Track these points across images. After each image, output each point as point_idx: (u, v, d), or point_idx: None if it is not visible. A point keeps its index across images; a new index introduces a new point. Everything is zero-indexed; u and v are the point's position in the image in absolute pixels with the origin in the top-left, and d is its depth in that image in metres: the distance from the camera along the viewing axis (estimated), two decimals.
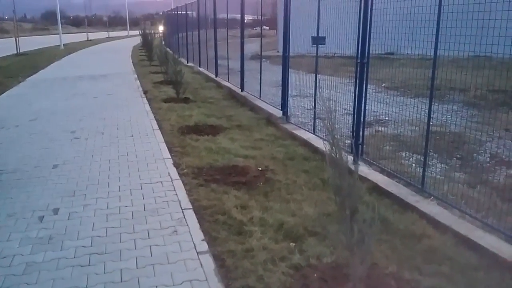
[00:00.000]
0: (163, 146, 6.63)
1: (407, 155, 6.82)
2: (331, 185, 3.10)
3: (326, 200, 4.63)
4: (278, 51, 22.25)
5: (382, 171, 5.42)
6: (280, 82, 9.11)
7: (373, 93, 12.33)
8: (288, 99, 8.34)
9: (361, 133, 5.74)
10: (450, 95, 12.24)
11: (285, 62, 8.03)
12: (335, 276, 3.15)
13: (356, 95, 5.76)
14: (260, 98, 9.56)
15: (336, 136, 3.08)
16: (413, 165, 6.35)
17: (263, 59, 11.21)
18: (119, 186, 5.02)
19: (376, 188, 4.93)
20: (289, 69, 8.57)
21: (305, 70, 18.87)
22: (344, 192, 2.95)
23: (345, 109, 9.18)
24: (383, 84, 14.66)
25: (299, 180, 5.26)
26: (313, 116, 7.20)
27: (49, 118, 8.80)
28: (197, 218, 4.19)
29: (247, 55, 13.51)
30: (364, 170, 5.47)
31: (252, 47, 12.92)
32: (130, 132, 7.51)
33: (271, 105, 8.89)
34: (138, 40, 32.01)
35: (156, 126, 7.94)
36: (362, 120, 5.73)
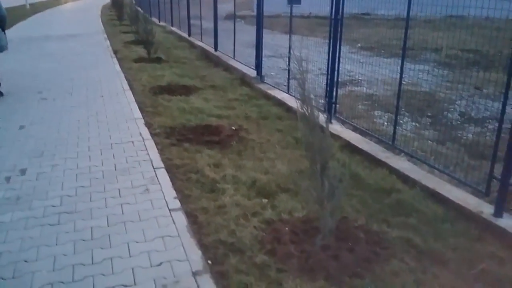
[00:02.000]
0: (134, 106, 6.49)
1: (379, 114, 6.89)
2: (302, 140, 3.09)
3: (299, 158, 4.65)
4: (253, 11, 21.78)
5: (355, 129, 5.45)
6: (255, 43, 8.95)
7: (348, 53, 12.31)
8: (263, 59, 8.21)
9: (334, 91, 5.72)
10: (423, 55, 12.33)
11: (259, 22, 7.85)
12: (306, 229, 3.19)
13: (330, 53, 5.70)
14: (234, 58, 9.39)
15: (307, 93, 3.05)
16: (385, 123, 6.42)
17: (238, 19, 10.95)
18: (89, 146, 4.91)
19: (348, 146, 4.98)
20: (265, 30, 8.41)
21: (280, 31, 18.61)
22: (315, 147, 2.95)
23: (320, 69, 9.15)
24: (358, 44, 14.59)
25: (273, 139, 5.25)
26: (287, 76, 7.13)
27: (15, 79, 8.45)
28: (169, 177, 4.15)
29: (221, 15, 13.17)
30: (337, 128, 5.50)
31: (226, 7, 12.58)
32: (100, 93, 7.31)
33: (245, 65, 8.76)
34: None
35: (126, 86, 7.73)
36: (335, 78, 5.70)
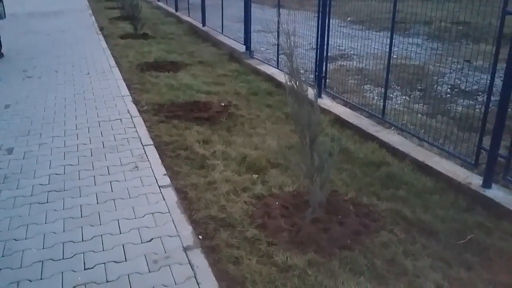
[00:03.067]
0: (121, 83, 6.38)
1: (370, 88, 6.86)
2: (291, 114, 3.07)
3: (288, 133, 4.63)
4: None
5: (345, 104, 5.44)
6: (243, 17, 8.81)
7: (338, 27, 12.21)
8: (252, 34, 8.10)
9: (324, 66, 5.68)
10: (414, 28, 12.25)
11: None
12: (296, 203, 3.20)
13: (319, 27, 5.63)
14: (222, 33, 9.25)
15: (295, 66, 3.01)
16: (376, 97, 6.41)
17: None
18: (76, 125, 4.84)
19: (338, 120, 4.97)
20: (254, 4, 8.27)
21: (270, 5, 18.31)
22: (304, 121, 2.93)
23: (310, 44, 9.05)
24: (348, 18, 14.45)
25: (262, 114, 5.22)
26: (277, 51, 7.05)
27: None
28: (159, 154, 4.11)
29: None
30: (327, 103, 5.47)
31: None
32: (86, 70, 7.17)
33: (234, 41, 8.64)
34: None
35: (113, 63, 7.60)
36: (325, 53, 5.64)
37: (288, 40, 2.94)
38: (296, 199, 3.27)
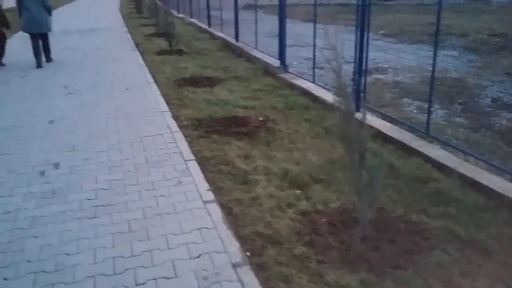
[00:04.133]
0: (160, 99, 6.50)
1: (407, 101, 6.75)
2: (338, 130, 3.04)
3: (329, 148, 4.59)
4: (271, 0, 21.59)
5: (384, 117, 5.36)
6: (275, 32, 8.86)
7: (371, 40, 12.14)
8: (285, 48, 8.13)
9: (363, 80, 5.62)
10: (449, 40, 12.04)
11: (282, 10, 7.75)
12: (343, 220, 3.15)
13: (357, 41, 5.59)
14: (256, 48, 9.32)
15: (342, 81, 2.99)
16: (415, 111, 6.30)
17: (257, 9, 10.86)
18: (118, 140, 4.94)
19: (379, 135, 4.89)
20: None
21: (300, 19, 18.40)
22: (352, 137, 2.90)
23: (343, 57, 9.02)
24: (381, 31, 14.38)
25: (301, 129, 5.20)
26: (311, 65, 7.04)
27: (40, 74, 8.57)
28: (201, 169, 4.14)
29: (239, 5, 13.09)
30: (366, 117, 5.40)
31: None
32: (125, 86, 7.34)
33: (268, 55, 8.69)
34: None
35: (151, 79, 7.76)
36: (364, 66, 5.59)
37: (336, 55, 2.92)
38: (343, 216, 3.22)
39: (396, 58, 11.32)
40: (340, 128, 3.02)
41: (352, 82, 5.82)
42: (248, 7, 13.58)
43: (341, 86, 2.96)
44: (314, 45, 6.80)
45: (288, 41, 11.21)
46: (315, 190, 3.70)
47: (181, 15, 19.02)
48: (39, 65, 9.10)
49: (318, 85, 6.85)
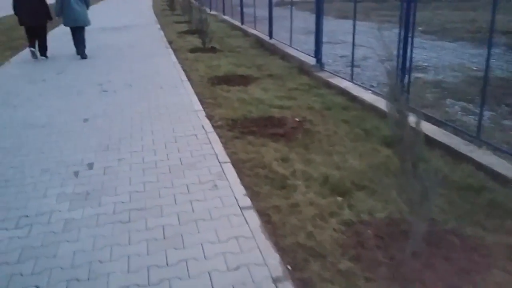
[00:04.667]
0: (194, 98, 6.38)
1: (451, 102, 6.41)
2: (392, 135, 2.82)
3: (370, 152, 4.35)
4: None
5: (428, 119, 5.06)
6: (309, 29, 8.63)
7: (409, 38, 11.71)
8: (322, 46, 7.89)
9: (406, 79, 5.34)
10: (492, 37, 11.47)
11: (319, 6, 7.50)
12: (392, 233, 2.92)
13: (401, 38, 5.31)
14: (291, 45, 9.10)
15: (397, 86, 2.77)
16: (459, 112, 5.97)
17: (288, 6, 10.63)
18: (153, 140, 4.84)
19: (425, 138, 4.60)
20: (313, 15, 8.07)
21: (334, 16, 17.93)
22: (406, 144, 2.67)
23: (378, 55, 8.69)
24: (419, 28, 13.88)
25: (340, 131, 4.97)
26: (347, 63, 6.79)
27: (75, 71, 8.63)
28: (237, 172, 3.98)
29: (272, 1, 12.89)
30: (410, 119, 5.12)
31: None
32: (159, 84, 7.27)
33: (303, 53, 8.45)
34: None
35: (184, 77, 7.66)
36: (407, 66, 5.31)
37: (389, 55, 2.70)
38: (391, 227, 2.99)
39: (436, 56, 10.90)
40: (393, 134, 2.79)
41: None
42: (280, 3, 13.37)
43: (395, 89, 2.73)
44: (353, 43, 6.54)
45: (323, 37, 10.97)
46: (358, 197, 3.48)
47: (213, 12, 18.96)
48: (83, 56, 9.85)
49: (356, 84, 6.59)
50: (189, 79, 7.57)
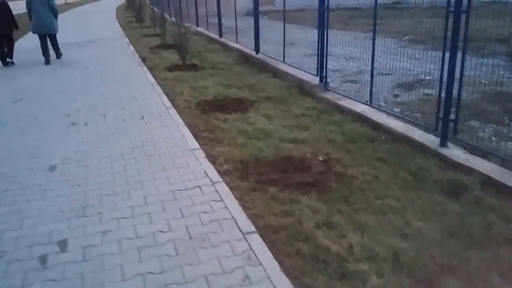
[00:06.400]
0: (186, 131, 5.26)
1: (477, 125, 5.52)
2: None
3: (434, 206, 3.39)
4: (274, 6, 20.45)
5: (473, 151, 4.20)
6: (291, 41, 7.75)
7: (399, 48, 10.95)
8: (303, 58, 6.92)
9: (453, 105, 4.43)
10: (488, 47, 10.89)
11: (322, 15, 6.54)
12: None
13: (448, 57, 4.41)
14: (284, 61, 8.11)
15: None
16: (493, 138, 5.08)
17: (260, 15, 9.68)
18: (144, 197, 3.69)
19: (488, 182, 3.68)
20: (292, 25, 7.28)
21: (310, 25, 17.10)
22: None
23: (376, 69, 7.80)
24: (405, 37, 13.22)
25: (381, 174, 3.98)
26: (344, 79, 5.86)
27: (36, 98, 7.32)
28: (270, 249, 2.91)
29: (240, 11, 11.88)
30: (459, 155, 4.20)
31: (241, 3, 11.40)
32: (139, 113, 6.10)
33: (301, 70, 7.48)
34: (121, 0, 29.71)
35: (168, 103, 6.52)
36: (453, 89, 4.40)
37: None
38: None
39: (435, 69, 10.16)
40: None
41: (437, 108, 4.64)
42: (250, 13, 12.41)
43: None
44: (373, 60, 5.61)
45: (305, 49, 10.05)
46: (450, 286, 2.48)
47: (186, 24, 17.79)
48: (47, 62, 10.27)
49: (375, 108, 5.64)
50: (174, 105, 6.44)
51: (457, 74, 4.34)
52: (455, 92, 4.39)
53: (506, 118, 5.87)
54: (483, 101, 6.84)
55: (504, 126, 5.45)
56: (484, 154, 4.19)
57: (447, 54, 4.37)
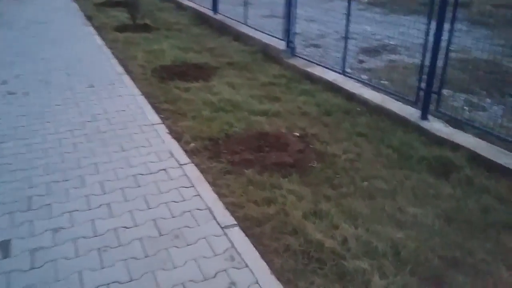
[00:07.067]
0: (143, 102, 4.71)
1: (448, 93, 5.32)
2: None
3: (425, 188, 3.15)
4: None
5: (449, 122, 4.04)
6: (247, 1, 7.25)
7: (357, 11, 10.62)
8: (262, 20, 6.45)
9: (435, 76, 4.17)
10: (450, 11, 10.79)
11: None
12: None
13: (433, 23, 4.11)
14: (246, 23, 7.55)
15: None
16: (465, 108, 4.90)
17: None
18: (100, 184, 3.18)
19: (476, 159, 3.49)
20: None
21: None
22: None
23: (337, 32, 7.45)
24: (365, 0, 12.90)
25: (363, 151, 3.69)
26: (307, 42, 5.48)
27: None
28: (254, 246, 2.55)
29: None
30: (441, 129, 3.99)
31: None
32: (87, 80, 5.41)
33: (264, 34, 6.98)
34: None
35: (121, 69, 5.86)
36: (436, 59, 4.13)
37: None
38: None
39: (398, 34, 9.94)
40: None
41: (417, 78, 4.37)
42: None
43: None
44: (347, 26, 5.22)
45: (264, 10, 9.49)
46: (458, 284, 2.24)
47: None
48: None
49: (349, 76, 5.32)
50: (127, 71, 5.78)
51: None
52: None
53: (473, 86, 5.73)
54: (453, 69, 6.69)
55: (476, 95, 5.30)
56: (462, 126, 4.00)
57: (433, 23, 4.06)
